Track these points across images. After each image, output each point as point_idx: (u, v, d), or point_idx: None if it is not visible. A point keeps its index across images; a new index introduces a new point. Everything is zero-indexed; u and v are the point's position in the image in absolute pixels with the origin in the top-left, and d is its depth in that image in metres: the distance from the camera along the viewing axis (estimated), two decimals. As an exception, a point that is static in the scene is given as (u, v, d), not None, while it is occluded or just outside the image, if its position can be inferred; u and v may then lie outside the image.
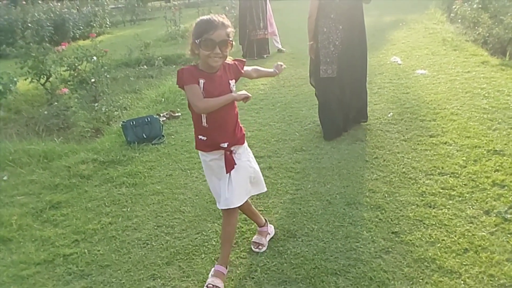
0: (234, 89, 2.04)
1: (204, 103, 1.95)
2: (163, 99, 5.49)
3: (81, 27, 13.53)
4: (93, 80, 5.28)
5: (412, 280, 2.07)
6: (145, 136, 4.18)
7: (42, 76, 5.75)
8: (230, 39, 1.94)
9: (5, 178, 3.54)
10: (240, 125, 2.16)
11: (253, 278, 2.19)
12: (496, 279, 2.03)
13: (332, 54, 3.80)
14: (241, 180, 2.11)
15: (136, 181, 3.38)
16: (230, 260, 2.31)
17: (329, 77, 3.86)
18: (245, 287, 2.14)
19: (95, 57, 5.79)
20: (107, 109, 5.10)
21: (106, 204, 3.06)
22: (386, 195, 2.86)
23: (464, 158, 3.24)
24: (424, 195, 2.81)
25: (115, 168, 3.64)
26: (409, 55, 6.92)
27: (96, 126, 4.92)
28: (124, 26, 17.65)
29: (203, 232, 2.63)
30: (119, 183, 3.36)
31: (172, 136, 4.35)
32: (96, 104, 5.23)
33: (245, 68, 2.16)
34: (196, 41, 1.92)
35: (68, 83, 5.58)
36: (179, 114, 5.01)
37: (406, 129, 3.94)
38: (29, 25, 11.07)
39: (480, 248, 2.25)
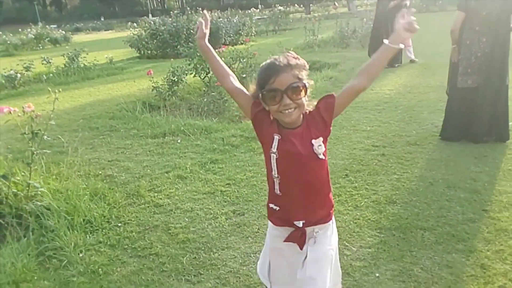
0: (320, 150, 1.51)
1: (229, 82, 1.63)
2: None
3: (231, 35, 15.45)
4: (244, 75, 6.42)
5: (489, 242, 2.51)
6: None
7: (203, 72, 7.17)
8: (303, 82, 1.45)
9: (179, 141, 4.79)
10: (330, 195, 1.63)
11: (355, 223, 2.86)
12: None
13: (473, 65, 4.01)
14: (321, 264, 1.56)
15: (272, 153, 4.29)
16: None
17: (468, 87, 4.06)
18: (349, 227, 2.82)
19: (245, 59, 7.02)
20: (251, 100, 6.22)
21: (249, 164, 4.02)
22: (486, 184, 3.23)
23: None
24: (523, 188, 3.12)
25: (256, 142, 4.61)
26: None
27: (241, 113, 6.05)
28: (267, 35, 19.36)
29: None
30: (259, 152, 4.31)
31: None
32: (243, 96, 6.39)
33: (338, 99, 1.55)
34: (259, 94, 1.49)
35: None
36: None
37: (526, 136, 4.10)
38: (192, 31, 13.22)
39: None
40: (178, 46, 11.11)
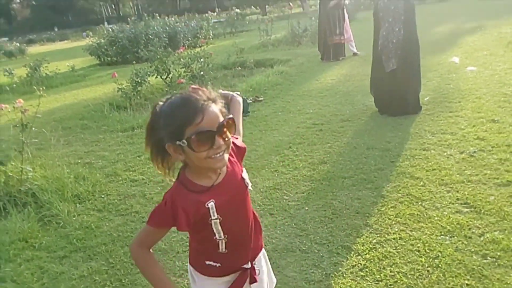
0: (249, 185, 1.34)
1: (140, 257, 1.33)
2: (251, 89, 7.14)
3: (189, 38, 16.07)
4: (202, 73, 7.12)
5: (391, 181, 3.34)
6: (236, 111, 5.83)
7: (164, 73, 7.79)
8: (230, 116, 1.22)
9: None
10: (256, 215, 1.46)
11: (294, 178, 3.63)
12: None
13: (391, 50, 4.85)
14: None
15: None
16: (282, 170, 3.76)
17: (391, 70, 4.87)
18: (288, 182, 3.57)
19: (202, 59, 7.71)
20: (210, 95, 6.93)
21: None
22: (397, 144, 4.09)
23: (466, 124, 4.31)
24: (423, 144, 3.98)
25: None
26: (469, 56, 7.72)
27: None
28: (225, 37, 20.08)
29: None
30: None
31: (255, 112, 5.94)
32: (202, 92, 7.09)
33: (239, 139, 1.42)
34: (177, 143, 1.16)
35: (183, 77, 7.54)
36: (262, 98, 6.61)
37: (433, 107, 5.03)
38: (150, 36, 13.74)
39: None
40: (139, 51, 11.63)
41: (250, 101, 6.43)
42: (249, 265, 1.40)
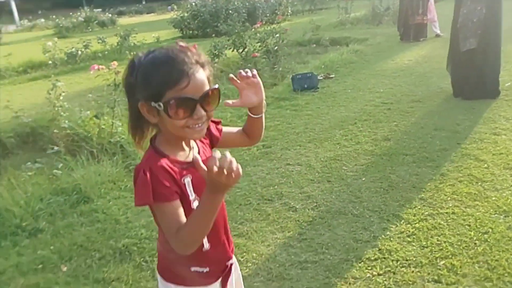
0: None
1: (182, 238, 1.01)
2: (323, 66, 7.20)
3: (268, 14, 16.23)
4: (276, 48, 7.31)
5: (453, 161, 3.34)
6: (305, 86, 5.98)
7: (241, 47, 8.09)
8: (216, 86, 1.08)
9: (220, 101, 5.78)
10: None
11: (355, 152, 3.75)
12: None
13: (470, 30, 4.67)
14: None
15: (296, 108, 5.21)
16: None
17: (468, 49, 4.72)
18: (349, 154, 3.71)
19: (277, 35, 7.88)
20: (282, 70, 7.11)
21: (277, 117, 4.95)
22: (466, 127, 4.01)
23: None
24: (495, 129, 3.87)
25: (284, 101, 5.54)
26: None
27: (274, 81, 6.96)
28: (303, 14, 19.92)
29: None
30: (286, 108, 5.23)
31: (324, 88, 6.04)
32: (275, 67, 7.30)
33: (225, 128, 1.30)
34: (152, 104, 1.02)
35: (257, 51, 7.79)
36: (333, 75, 6.67)
37: (514, 93, 4.79)
38: (230, 11, 14.13)
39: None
40: (218, 25, 12.07)
41: (321, 78, 6.52)
42: (233, 260, 1.27)
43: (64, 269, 2.41)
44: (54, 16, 25.20)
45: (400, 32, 9.43)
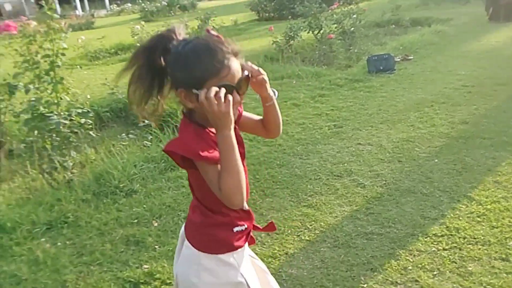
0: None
1: (225, 188, 1.09)
2: (401, 47, 7.01)
3: (346, -5, 15.85)
4: (352, 29, 7.24)
5: None
6: (381, 68, 5.90)
7: (316, 29, 8.11)
8: (246, 73, 1.16)
9: (294, 82, 5.94)
10: None
11: (429, 134, 3.72)
12: None
13: None
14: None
15: (369, 90, 5.20)
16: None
17: None
18: (423, 136, 3.69)
19: (355, 15, 7.77)
20: (358, 52, 7.05)
21: (351, 98, 5.00)
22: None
23: None
24: None
25: (358, 83, 5.54)
26: None
27: (348, 63, 6.93)
28: (383, -6, 19.14)
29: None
30: (359, 90, 5.25)
31: (401, 70, 5.91)
32: (350, 48, 7.24)
33: (245, 113, 1.38)
34: (194, 91, 1.09)
35: (333, 32, 7.76)
36: (411, 57, 6.48)
37: None
38: (307, -7, 14.06)
39: None
40: (295, 7, 12.09)
41: (398, 59, 6.37)
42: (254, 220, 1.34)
43: (155, 224, 2.78)
44: (140, 1, 26.79)
45: (489, 12, 8.81)
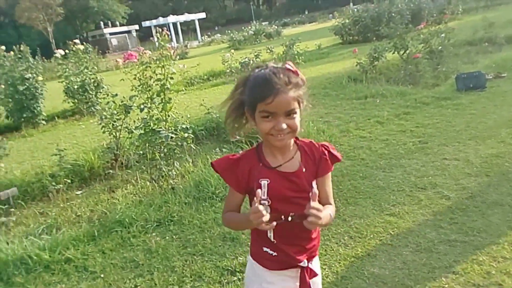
0: (316, 191, 1.25)
1: (225, 219, 1.45)
2: (494, 65, 6.75)
3: (434, 14, 15.46)
4: (440, 48, 7.15)
5: None
6: (471, 86, 5.76)
7: (402, 49, 8.10)
8: (302, 105, 1.31)
9: (378, 101, 6.03)
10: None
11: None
12: None
13: None
14: None
15: (458, 108, 5.13)
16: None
17: None
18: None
19: (443, 34, 7.66)
20: (446, 70, 6.93)
21: (437, 115, 4.97)
22: None
23: None
24: None
25: (445, 101, 5.48)
26: None
27: (436, 81, 6.84)
28: (477, 11, 18.22)
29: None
30: (446, 108, 5.20)
31: (493, 88, 5.72)
32: (438, 67, 7.14)
33: (327, 177, 1.43)
34: (250, 112, 1.32)
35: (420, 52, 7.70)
36: (505, 75, 6.22)
37: None
38: (393, 14, 13.99)
39: None
40: (380, 29, 12.12)
41: (490, 77, 6.16)
42: (305, 263, 1.41)
43: (247, 225, 3.11)
44: (228, 31, 28.58)
45: None
